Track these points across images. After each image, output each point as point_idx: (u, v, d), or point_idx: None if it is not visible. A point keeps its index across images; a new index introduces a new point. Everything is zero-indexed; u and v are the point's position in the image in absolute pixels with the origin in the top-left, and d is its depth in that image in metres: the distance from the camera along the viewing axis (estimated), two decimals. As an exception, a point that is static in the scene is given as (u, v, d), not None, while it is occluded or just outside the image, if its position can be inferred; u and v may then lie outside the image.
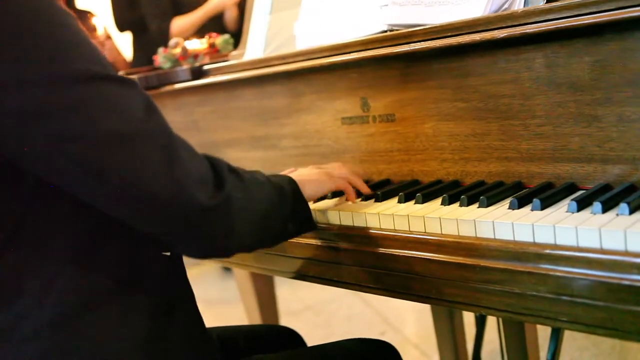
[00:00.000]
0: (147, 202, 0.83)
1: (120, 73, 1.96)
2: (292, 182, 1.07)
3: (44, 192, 0.86)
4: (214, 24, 3.39)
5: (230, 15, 3.41)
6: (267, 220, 0.99)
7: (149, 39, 3.41)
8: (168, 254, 0.98)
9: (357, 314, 2.94)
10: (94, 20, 3.39)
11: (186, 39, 2.00)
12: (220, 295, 3.34)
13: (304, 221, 1.08)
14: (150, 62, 2.04)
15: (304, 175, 1.13)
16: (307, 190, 1.09)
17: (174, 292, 1.00)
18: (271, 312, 2.24)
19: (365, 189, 1.23)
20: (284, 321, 2.51)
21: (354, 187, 1.21)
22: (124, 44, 3.85)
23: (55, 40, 0.79)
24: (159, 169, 0.83)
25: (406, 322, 2.84)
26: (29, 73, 0.76)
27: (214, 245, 0.93)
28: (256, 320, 2.25)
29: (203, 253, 0.97)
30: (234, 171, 0.95)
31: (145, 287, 0.95)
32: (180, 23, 3.32)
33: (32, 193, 0.85)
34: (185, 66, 1.82)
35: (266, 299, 2.23)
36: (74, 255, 0.89)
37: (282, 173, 1.13)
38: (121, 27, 3.64)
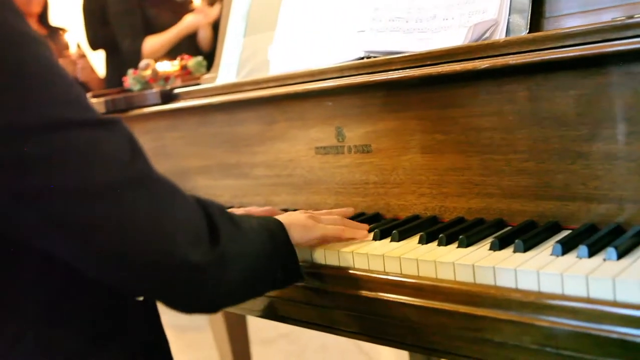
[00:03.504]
0: (132, 262, 0.74)
1: (91, 94, 1.90)
2: (281, 226, 0.98)
3: (7, 249, 0.77)
4: (188, 43, 3.33)
5: (204, 35, 3.36)
6: (260, 271, 0.91)
7: (122, 57, 3.34)
8: (141, 298, 0.91)
9: (333, 343, 2.86)
10: (67, 37, 3.32)
11: (157, 59, 1.93)
12: (190, 322, 3.24)
13: (292, 271, 0.99)
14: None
15: (291, 217, 1.04)
16: (294, 234, 1.00)
17: (151, 339, 0.93)
18: (241, 342, 2.16)
19: (360, 233, 1.11)
20: (258, 350, 2.43)
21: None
22: (98, 61, 3.77)
23: (26, 81, 0.69)
24: (145, 225, 0.73)
25: (382, 351, 2.77)
26: None
27: (203, 303, 0.85)
28: (226, 349, 2.17)
29: (190, 310, 0.87)
30: (230, 218, 0.86)
31: (119, 338, 0.87)
32: (152, 42, 3.26)
33: None
34: (156, 89, 1.76)
35: (236, 328, 2.15)
36: (42, 312, 0.80)
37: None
38: (94, 45, 3.57)
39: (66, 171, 0.70)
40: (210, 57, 1.96)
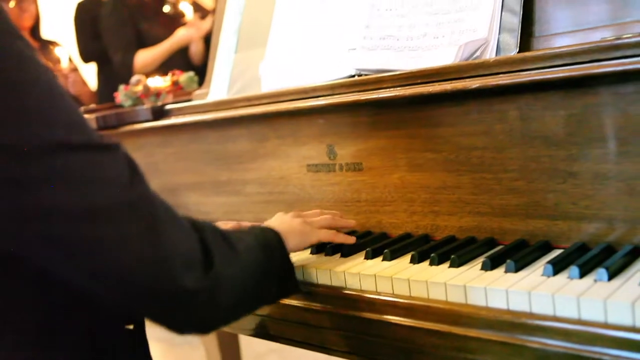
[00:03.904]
0: (126, 284, 0.75)
1: (82, 110, 1.90)
2: (278, 237, 0.99)
3: (5, 267, 0.78)
4: (180, 57, 3.33)
5: (196, 49, 3.36)
6: (255, 291, 0.92)
7: (114, 70, 3.34)
8: (131, 327, 0.92)
9: (325, 358, 2.85)
10: (59, 51, 3.31)
11: (149, 74, 1.93)
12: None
13: (288, 285, 1.01)
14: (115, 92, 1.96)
15: (287, 224, 1.06)
16: (291, 243, 1.02)
17: None
18: (233, 357, 2.15)
19: (350, 239, 1.14)
20: (249, 365, 2.41)
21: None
22: (90, 74, 3.77)
23: (30, 105, 0.71)
24: (140, 248, 0.75)
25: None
26: None
27: (197, 326, 0.86)
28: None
29: (183, 331, 0.88)
30: (225, 239, 0.87)
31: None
32: (144, 56, 3.26)
33: None
34: (147, 104, 1.76)
35: (228, 343, 2.14)
36: (35, 329, 0.82)
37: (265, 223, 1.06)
38: (86, 58, 3.57)
39: (66, 192, 0.71)
40: (202, 71, 1.96)
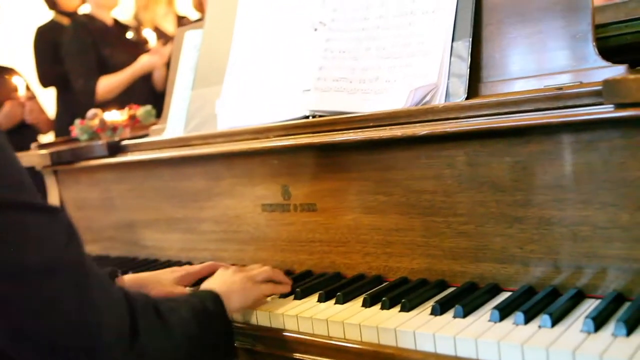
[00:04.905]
0: (51, 347, 0.75)
1: (36, 145, 1.86)
2: (217, 302, 0.99)
3: None
4: (143, 84, 3.31)
5: (159, 75, 3.34)
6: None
7: (75, 96, 3.30)
8: None
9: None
10: (16, 79, 3.26)
11: (105, 109, 1.91)
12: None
13: (227, 351, 1.01)
14: (74, 119, 1.93)
15: (228, 284, 1.07)
16: (233, 303, 1.03)
17: None
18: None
19: (287, 289, 1.17)
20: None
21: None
22: (49, 99, 3.72)
23: None
24: (68, 312, 0.75)
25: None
26: None
27: None
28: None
29: None
30: (157, 312, 0.87)
31: None
32: (107, 82, 3.23)
33: None
34: (104, 139, 1.74)
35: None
36: None
37: (204, 286, 1.08)
38: (45, 83, 3.52)
39: (1, 249, 0.71)
40: (164, 99, 1.95)
